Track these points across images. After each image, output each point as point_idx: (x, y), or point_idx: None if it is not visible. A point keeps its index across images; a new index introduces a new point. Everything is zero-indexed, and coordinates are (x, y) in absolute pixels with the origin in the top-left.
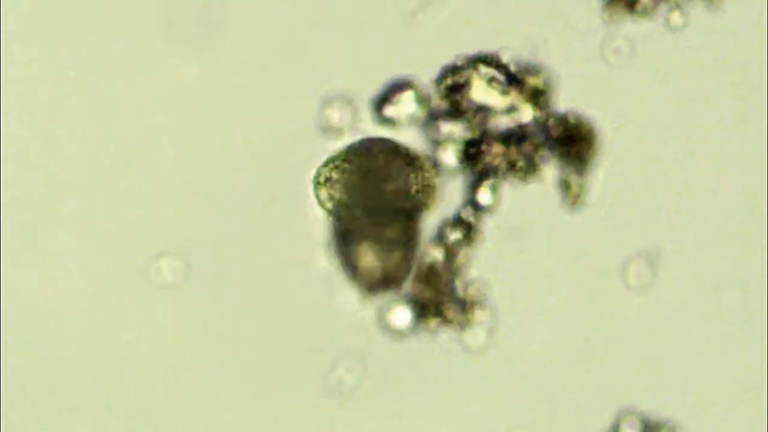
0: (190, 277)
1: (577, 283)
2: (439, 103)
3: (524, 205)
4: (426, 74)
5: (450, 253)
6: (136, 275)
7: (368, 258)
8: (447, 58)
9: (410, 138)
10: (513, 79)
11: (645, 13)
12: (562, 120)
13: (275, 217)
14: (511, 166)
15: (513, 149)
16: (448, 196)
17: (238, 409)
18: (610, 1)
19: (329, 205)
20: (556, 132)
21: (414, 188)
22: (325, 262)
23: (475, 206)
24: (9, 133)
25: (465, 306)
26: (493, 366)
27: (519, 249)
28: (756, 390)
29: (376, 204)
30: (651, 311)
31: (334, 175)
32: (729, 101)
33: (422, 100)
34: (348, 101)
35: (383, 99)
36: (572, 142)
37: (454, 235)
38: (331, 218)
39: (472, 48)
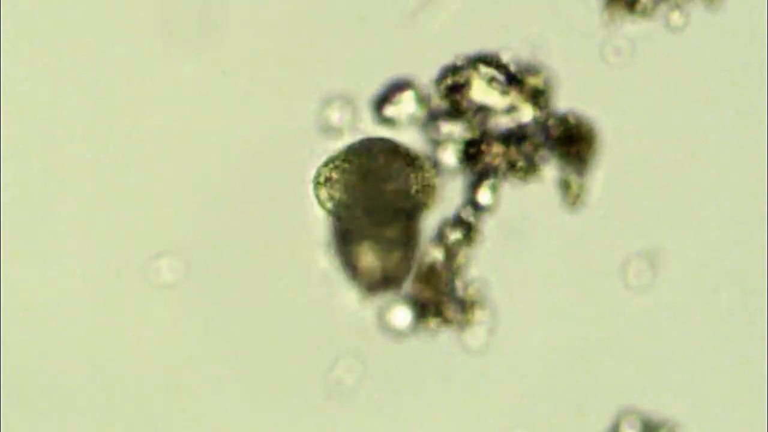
0: (190, 277)
1: (577, 283)
2: (439, 103)
3: (524, 205)
4: (426, 74)
5: (450, 253)
6: (136, 275)
7: (368, 258)
8: (447, 58)
9: (410, 138)
10: (513, 79)
11: (645, 13)
12: (562, 120)
13: (275, 217)
14: (511, 166)
15: (513, 149)
16: (448, 196)
17: (238, 409)
18: (610, 1)
19: (329, 205)
20: (555, 132)
21: (414, 188)
22: (325, 262)
23: (475, 206)
24: (9, 133)
25: (465, 306)
26: (493, 366)
27: (519, 249)
28: (756, 390)
29: (375, 204)
30: (651, 311)
31: (334, 175)
32: (729, 101)
33: (422, 100)
34: (348, 101)
35: (383, 99)
36: (572, 142)
37: (454, 235)
38: (330, 218)
39: (472, 48)
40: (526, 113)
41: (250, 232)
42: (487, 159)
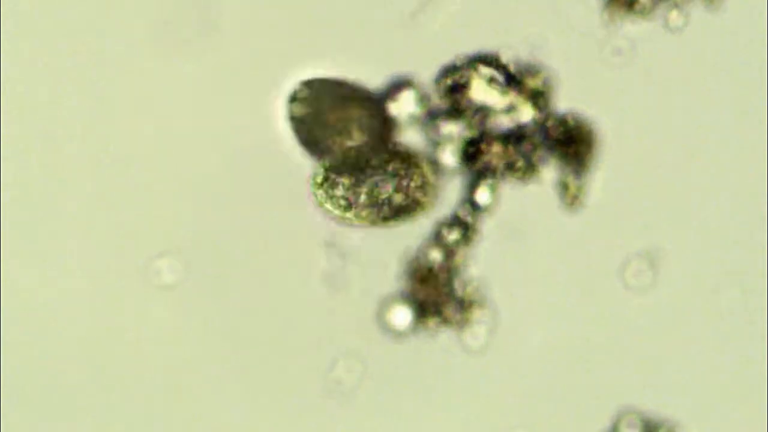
0: (190, 277)
1: (576, 283)
2: (438, 102)
3: (523, 205)
4: (426, 74)
5: (448, 252)
6: (136, 275)
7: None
8: (447, 58)
9: (410, 138)
10: (512, 79)
11: (644, 12)
12: (562, 120)
13: (275, 217)
14: (510, 166)
15: (512, 149)
16: (448, 196)
17: (238, 409)
18: (609, 1)
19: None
20: (555, 132)
21: (412, 187)
22: (325, 262)
23: (474, 206)
24: (9, 133)
25: (464, 306)
26: (493, 366)
27: (518, 249)
28: (756, 390)
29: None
30: (651, 311)
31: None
32: (729, 101)
33: (422, 99)
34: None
35: (383, 98)
36: (571, 142)
37: (452, 235)
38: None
39: (472, 48)
40: (526, 113)
41: (250, 232)
42: (487, 159)
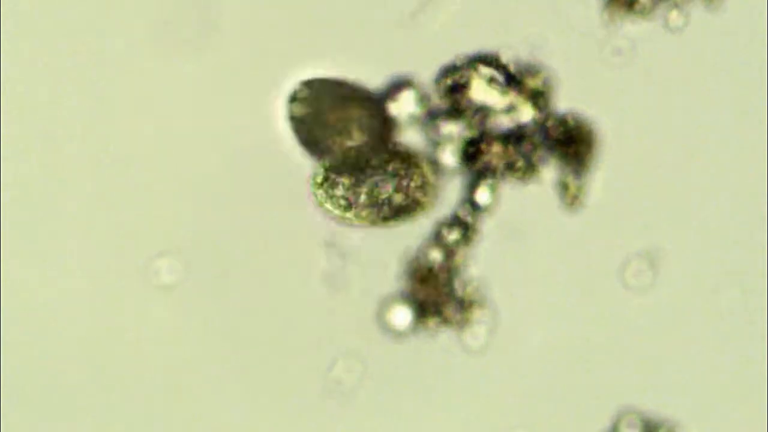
0: (190, 277)
1: (576, 283)
2: (438, 102)
3: (523, 205)
4: (426, 74)
5: (448, 252)
6: (135, 275)
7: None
8: (447, 58)
9: (410, 138)
10: (512, 80)
11: (644, 12)
12: (562, 120)
13: (275, 217)
14: (510, 166)
15: (512, 149)
16: (448, 196)
17: (238, 409)
18: (609, 1)
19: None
20: (555, 132)
21: (412, 186)
22: (325, 262)
23: (474, 206)
24: (9, 133)
25: (464, 305)
26: (493, 366)
27: (518, 249)
28: (756, 390)
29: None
30: (651, 311)
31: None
32: (729, 101)
33: (422, 99)
34: None
35: (383, 98)
36: (571, 142)
37: (452, 235)
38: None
39: (472, 48)
40: (526, 113)
41: (250, 232)
42: (487, 159)
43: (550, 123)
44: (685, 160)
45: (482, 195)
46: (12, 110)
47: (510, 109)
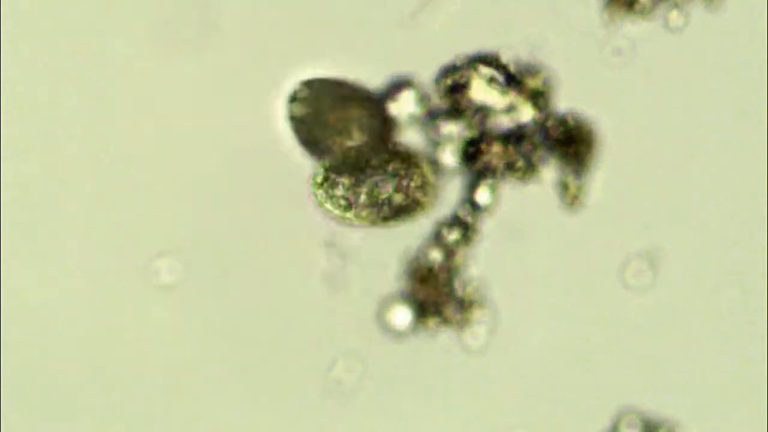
0: (190, 277)
1: (576, 283)
2: (438, 102)
3: (523, 205)
4: (426, 74)
5: (448, 252)
6: (136, 275)
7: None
8: (447, 58)
9: (410, 138)
10: (512, 79)
11: (644, 13)
12: (562, 120)
13: (275, 217)
14: (510, 166)
15: (512, 149)
16: (448, 196)
17: (238, 409)
18: (610, 1)
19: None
20: (555, 132)
21: (412, 186)
22: (325, 262)
23: (474, 206)
24: (9, 133)
25: (464, 306)
26: (493, 366)
27: (519, 249)
28: (756, 390)
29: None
30: (651, 311)
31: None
32: (729, 101)
33: (422, 99)
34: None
35: (383, 97)
36: (571, 142)
37: (452, 235)
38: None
39: (472, 48)
40: (526, 113)
41: (250, 232)
42: (486, 159)
43: (550, 123)
44: (685, 160)
45: (482, 195)
46: (12, 110)
47: (510, 109)
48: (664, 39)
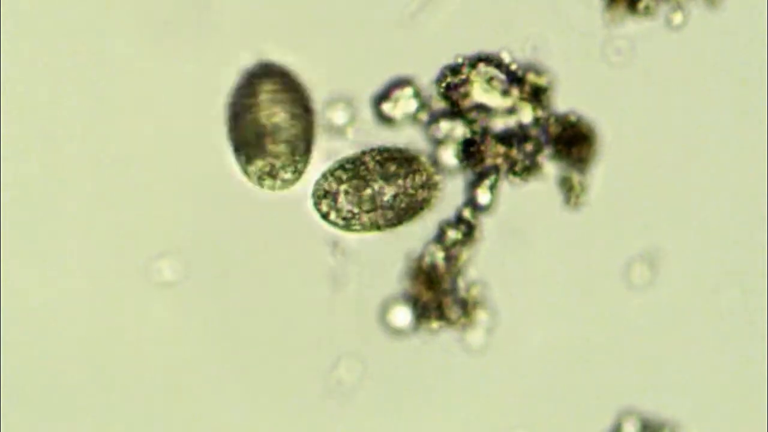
0: (190, 277)
1: (577, 283)
2: (438, 102)
3: (524, 205)
4: (426, 74)
5: (450, 253)
6: (136, 275)
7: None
8: (447, 58)
9: (410, 138)
10: (513, 79)
11: (647, 12)
12: (562, 120)
13: (275, 217)
14: (511, 165)
15: (513, 149)
16: (448, 196)
17: (238, 409)
18: (611, 1)
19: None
20: (555, 132)
21: (416, 186)
22: (326, 262)
23: (475, 206)
24: (9, 133)
25: (466, 306)
26: (493, 366)
27: (519, 249)
28: (756, 390)
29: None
30: (651, 311)
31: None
32: (729, 101)
33: (422, 99)
34: (348, 102)
35: (383, 96)
36: (572, 142)
37: (454, 235)
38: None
39: (472, 48)
40: (527, 113)
41: (250, 232)
42: (487, 159)
43: (550, 122)
44: (685, 160)
45: (483, 195)
46: (12, 110)
47: (511, 109)
48: (663, 38)
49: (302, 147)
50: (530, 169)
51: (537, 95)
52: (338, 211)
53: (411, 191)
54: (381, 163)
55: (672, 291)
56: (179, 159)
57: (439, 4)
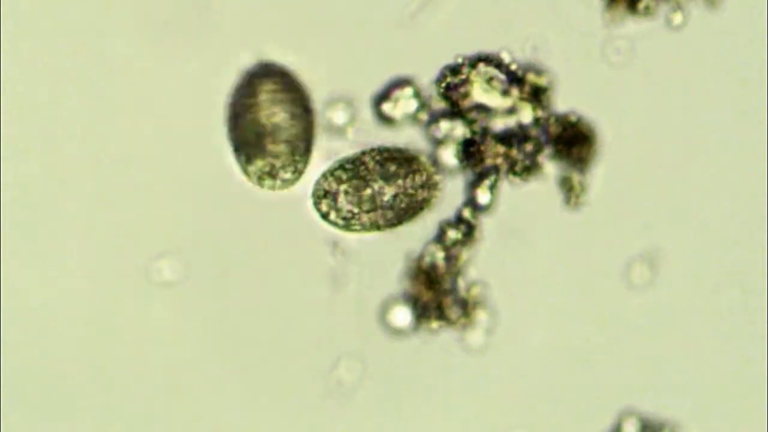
0: (190, 277)
1: (577, 283)
2: (438, 102)
3: (524, 205)
4: (426, 74)
5: (450, 253)
6: (136, 275)
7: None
8: (447, 58)
9: (410, 138)
10: (513, 79)
11: (647, 13)
12: (562, 120)
13: (275, 217)
14: (511, 165)
15: (513, 149)
16: (448, 196)
17: (238, 409)
18: (611, 1)
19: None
20: (555, 132)
21: (416, 186)
22: (326, 262)
23: (475, 206)
24: (9, 133)
25: (466, 306)
26: (493, 366)
27: (519, 249)
28: (756, 390)
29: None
30: (651, 311)
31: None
32: (729, 101)
33: (422, 99)
34: (348, 102)
35: (383, 96)
36: (572, 142)
37: (454, 235)
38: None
39: (472, 48)
40: (527, 113)
41: (250, 232)
42: (487, 159)
43: (550, 123)
44: (685, 160)
45: (483, 195)
46: (12, 110)
47: (511, 109)
48: (663, 38)
49: (302, 147)
50: (530, 169)
51: (537, 95)
52: (338, 211)
53: (411, 191)
54: (381, 163)
55: (672, 291)
56: (179, 159)
57: (439, 4)
